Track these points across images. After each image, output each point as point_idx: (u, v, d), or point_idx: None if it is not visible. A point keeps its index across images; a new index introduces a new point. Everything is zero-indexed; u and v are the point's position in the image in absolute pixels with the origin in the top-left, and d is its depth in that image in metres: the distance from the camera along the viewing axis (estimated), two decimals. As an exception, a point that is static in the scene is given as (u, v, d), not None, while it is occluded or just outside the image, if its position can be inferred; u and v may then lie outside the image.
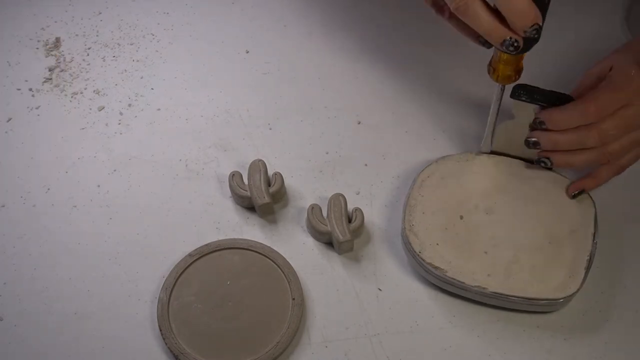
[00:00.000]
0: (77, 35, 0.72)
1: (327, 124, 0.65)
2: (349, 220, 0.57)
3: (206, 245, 0.57)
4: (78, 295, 0.55)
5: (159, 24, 0.73)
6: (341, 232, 0.56)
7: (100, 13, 0.74)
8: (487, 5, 0.47)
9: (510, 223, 0.56)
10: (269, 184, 0.59)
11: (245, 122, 0.66)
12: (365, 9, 0.74)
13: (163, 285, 0.55)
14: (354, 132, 0.65)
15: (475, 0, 0.47)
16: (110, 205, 0.60)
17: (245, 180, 0.59)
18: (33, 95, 0.67)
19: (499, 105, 0.56)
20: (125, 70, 0.69)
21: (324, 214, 0.58)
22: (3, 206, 0.60)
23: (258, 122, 0.65)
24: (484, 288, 0.53)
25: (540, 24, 0.47)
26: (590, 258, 0.54)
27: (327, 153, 0.63)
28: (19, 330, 0.54)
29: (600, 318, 0.54)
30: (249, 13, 0.74)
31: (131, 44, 0.71)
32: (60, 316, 0.54)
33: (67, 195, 0.61)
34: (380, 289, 0.56)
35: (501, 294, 0.53)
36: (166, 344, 0.52)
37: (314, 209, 0.57)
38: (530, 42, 0.48)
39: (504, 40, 0.48)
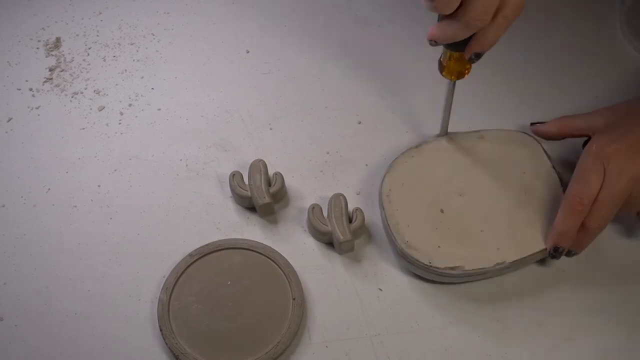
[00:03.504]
0: (77, 35, 0.72)
1: (327, 124, 0.65)
2: (350, 221, 0.57)
3: (206, 245, 0.57)
4: (78, 295, 0.55)
5: (159, 24, 0.73)
6: (342, 232, 0.56)
7: (100, 13, 0.74)
8: None
9: (485, 194, 0.57)
10: (269, 184, 0.59)
11: (246, 122, 0.66)
12: (366, 9, 0.74)
13: (163, 285, 0.54)
14: (354, 132, 0.65)
15: None
16: (110, 205, 0.60)
17: (246, 180, 0.59)
18: (33, 95, 0.67)
19: (451, 99, 0.58)
20: (126, 70, 0.69)
21: (325, 214, 0.58)
22: (3, 206, 0.60)
23: (258, 122, 0.65)
24: (502, 262, 0.54)
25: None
26: (563, 186, 0.56)
27: (327, 153, 0.63)
28: (19, 330, 0.54)
29: (600, 318, 0.54)
30: (249, 13, 0.74)
31: (131, 44, 0.71)
32: (60, 316, 0.54)
33: (67, 195, 0.61)
34: (381, 289, 0.56)
35: (519, 259, 0.54)
36: (166, 344, 0.52)
37: (315, 209, 0.57)
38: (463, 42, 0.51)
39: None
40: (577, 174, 0.54)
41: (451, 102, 0.58)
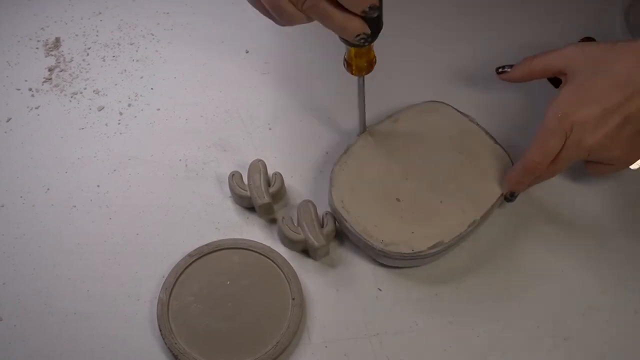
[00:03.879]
0: (76, 35, 0.72)
1: (327, 124, 0.65)
2: (322, 226, 0.57)
3: (206, 245, 0.57)
4: (78, 295, 0.55)
5: (158, 24, 0.73)
6: (315, 238, 0.55)
7: (100, 13, 0.74)
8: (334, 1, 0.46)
9: (427, 169, 0.58)
10: (268, 184, 0.59)
11: (245, 122, 0.66)
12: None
13: (163, 285, 0.54)
14: (353, 132, 0.65)
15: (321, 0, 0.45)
16: (109, 205, 0.60)
17: (245, 180, 0.59)
18: (33, 95, 0.67)
19: (364, 95, 0.58)
20: (125, 70, 0.69)
21: (296, 224, 0.57)
22: (3, 206, 0.60)
23: (258, 122, 0.65)
24: (473, 222, 0.55)
25: (377, 4, 0.47)
26: (492, 137, 0.60)
27: (327, 153, 0.63)
28: (19, 330, 0.54)
29: (600, 317, 0.54)
30: (249, 13, 0.74)
31: (131, 44, 0.71)
32: (60, 316, 0.54)
33: (66, 195, 0.61)
34: (380, 289, 0.56)
35: (486, 212, 0.56)
36: (166, 344, 0.52)
37: (284, 219, 0.57)
38: (375, 29, 0.49)
39: (357, 35, 0.48)
40: (539, 137, 0.54)
41: (364, 98, 0.59)
